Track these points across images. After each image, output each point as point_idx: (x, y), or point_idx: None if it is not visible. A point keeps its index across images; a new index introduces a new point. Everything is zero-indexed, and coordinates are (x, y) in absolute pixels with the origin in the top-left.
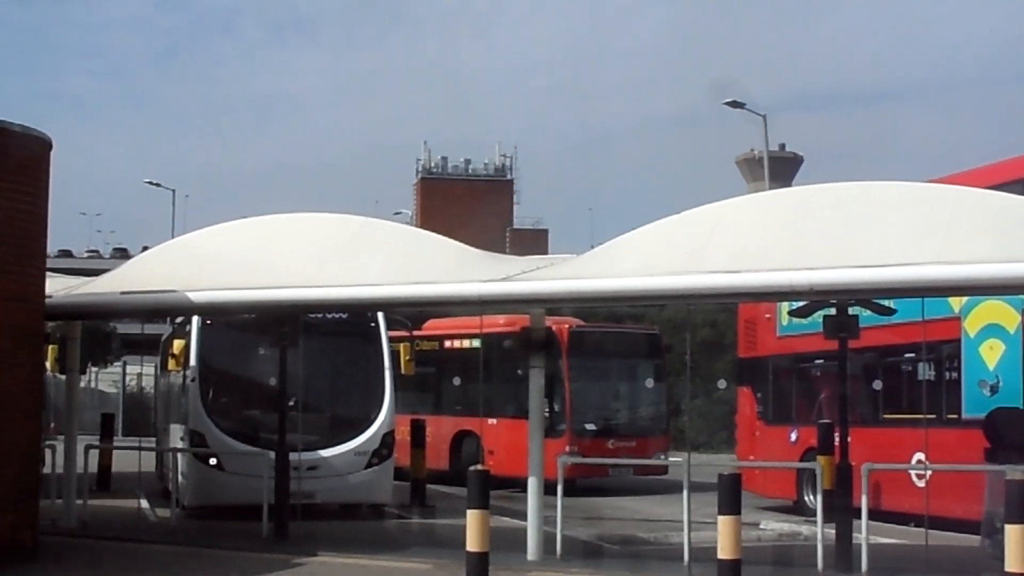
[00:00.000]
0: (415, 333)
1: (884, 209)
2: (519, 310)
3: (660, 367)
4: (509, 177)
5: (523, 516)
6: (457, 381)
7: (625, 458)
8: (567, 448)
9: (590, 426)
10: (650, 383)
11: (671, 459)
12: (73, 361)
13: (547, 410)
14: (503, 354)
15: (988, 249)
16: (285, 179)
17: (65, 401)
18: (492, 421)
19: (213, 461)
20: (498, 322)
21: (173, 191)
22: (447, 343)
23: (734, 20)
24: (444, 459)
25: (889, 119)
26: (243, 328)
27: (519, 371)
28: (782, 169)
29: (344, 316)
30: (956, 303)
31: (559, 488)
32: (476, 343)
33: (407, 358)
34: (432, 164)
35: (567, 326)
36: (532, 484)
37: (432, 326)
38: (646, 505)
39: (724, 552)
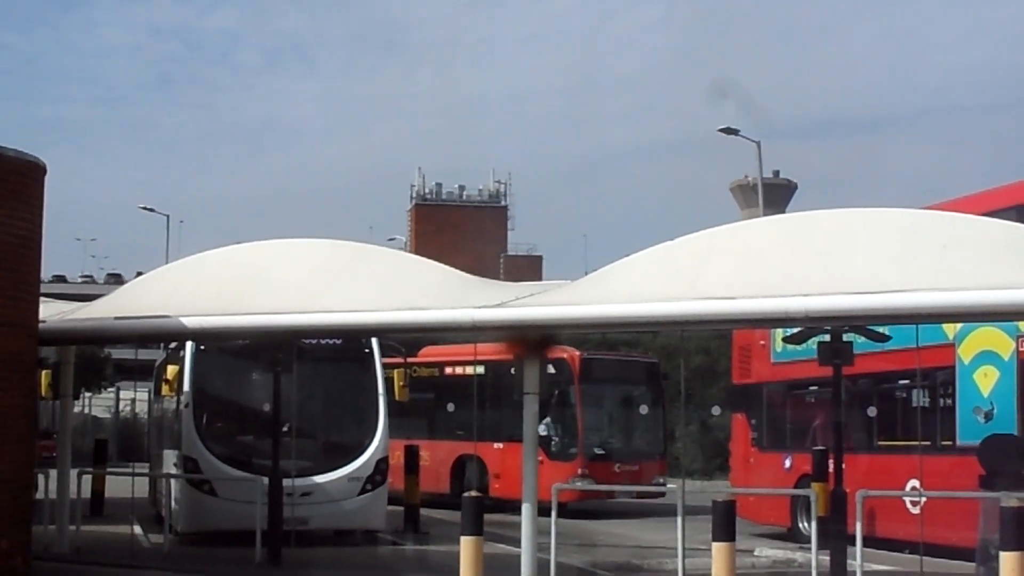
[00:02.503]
0: (412, 360)
1: (879, 236)
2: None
3: (659, 394)
4: (503, 203)
5: (517, 542)
6: (457, 406)
7: (628, 481)
8: (579, 471)
9: (599, 450)
10: (650, 409)
11: (668, 485)
12: (66, 386)
13: (558, 434)
14: (510, 380)
15: (983, 276)
16: (280, 205)
17: (58, 426)
18: (498, 445)
19: (207, 487)
20: (500, 349)
21: (167, 217)
22: (448, 369)
23: (729, 48)
24: (444, 483)
25: (883, 146)
26: (237, 353)
27: None
28: (776, 196)
29: (338, 342)
30: (950, 330)
31: (553, 515)
32: (480, 369)
33: (401, 384)
34: (426, 190)
35: (579, 354)
36: (526, 511)
37: (432, 352)
38: (640, 531)
39: None
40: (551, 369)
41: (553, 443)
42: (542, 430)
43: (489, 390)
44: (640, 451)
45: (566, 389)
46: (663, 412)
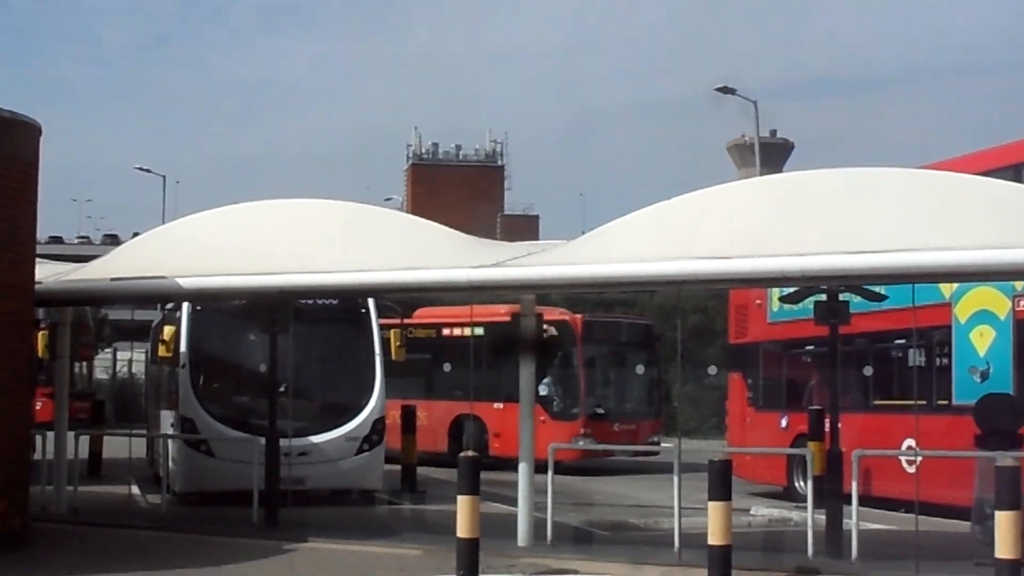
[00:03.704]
0: (408, 320)
1: (875, 195)
2: (509, 296)
3: (654, 355)
4: (500, 163)
5: (514, 502)
6: (457, 367)
7: (626, 440)
8: (581, 430)
9: (599, 410)
10: (646, 370)
11: (663, 444)
12: (63, 347)
13: (559, 395)
14: (510, 340)
15: (980, 235)
16: (276, 166)
17: (55, 387)
18: (498, 405)
19: (204, 447)
20: (499, 311)
21: (164, 177)
22: (446, 331)
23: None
24: (442, 443)
25: (880, 106)
26: (233, 314)
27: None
28: (773, 155)
29: (334, 302)
30: (947, 289)
31: (549, 474)
32: (479, 331)
33: (398, 344)
34: (423, 150)
35: (580, 317)
36: (523, 470)
37: (432, 314)
38: (637, 490)
39: (714, 538)
40: (553, 331)
41: (555, 403)
42: (543, 390)
43: (488, 350)
44: (637, 411)
45: (569, 351)
46: (658, 372)
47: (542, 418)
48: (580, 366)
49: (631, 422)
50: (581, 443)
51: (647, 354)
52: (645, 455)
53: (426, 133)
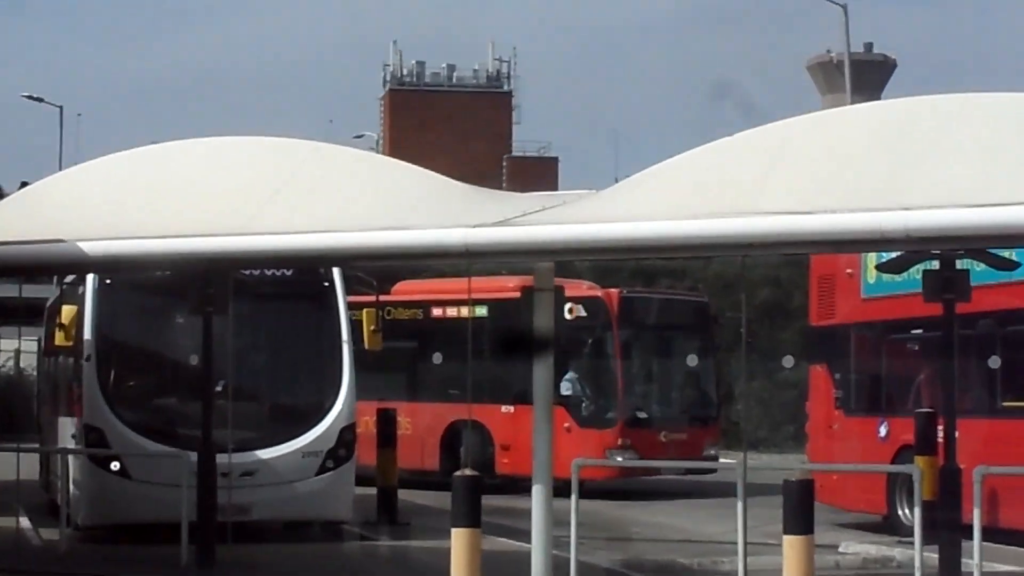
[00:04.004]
0: (386, 298)
1: (1003, 130)
2: (519, 265)
3: (710, 342)
4: (506, 89)
5: (527, 536)
6: (451, 358)
7: (675, 454)
8: (619, 442)
9: (641, 414)
10: (701, 361)
11: (721, 459)
12: None
13: (589, 394)
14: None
15: None
16: (210, 93)
17: None
18: (507, 408)
19: (116, 466)
20: (507, 285)
21: (60, 109)
22: (436, 310)
23: None
24: (431, 458)
25: (1008, 13)
26: (154, 290)
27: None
28: (869, 77)
29: (288, 273)
30: None
31: (573, 499)
32: (481, 310)
33: (372, 328)
34: (405, 71)
35: (617, 292)
36: (538, 494)
37: (417, 289)
38: (689, 520)
39: None
40: (582, 312)
41: (583, 405)
42: (566, 388)
43: (493, 336)
44: (689, 415)
45: (602, 336)
46: (715, 365)
47: (566, 425)
48: (617, 356)
49: (681, 430)
50: (619, 458)
51: (700, 341)
52: (700, 473)
53: (408, 49)
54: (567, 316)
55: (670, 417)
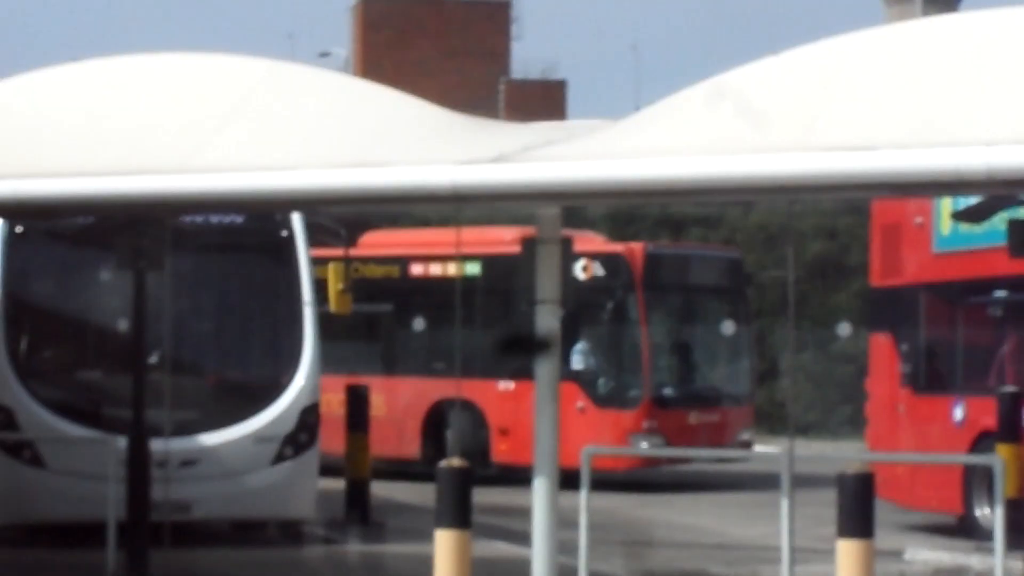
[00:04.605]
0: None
1: None
2: (519, 210)
3: (745, 305)
4: None
5: (527, 539)
6: (436, 324)
7: (706, 438)
8: (644, 424)
9: (669, 391)
10: (736, 329)
11: (764, 448)
12: None
13: (607, 368)
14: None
15: None
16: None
17: None
18: (505, 385)
19: (28, 453)
20: (505, 238)
21: None
22: (416, 267)
23: None
24: (412, 444)
25: None
26: (76, 241)
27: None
28: None
29: (238, 220)
30: None
31: (582, 496)
32: (474, 267)
33: (339, 287)
34: None
35: (641, 248)
36: (541, 488)
37: (393, 240)
38: (722, 520)
39: None
40: (599, 271)
41: (602, 382)
42: (578, 361)
43: (488, 298)
44: (722, 393)
45: (623, 299)
46: (748, 333)
47: (580, 404)
48: (642, 323)
49: (713, 411)
50: (644, 444)
51: (734, 305)
52: (735, 462)
53: None
54: (581, 275)
55: (701, 396)
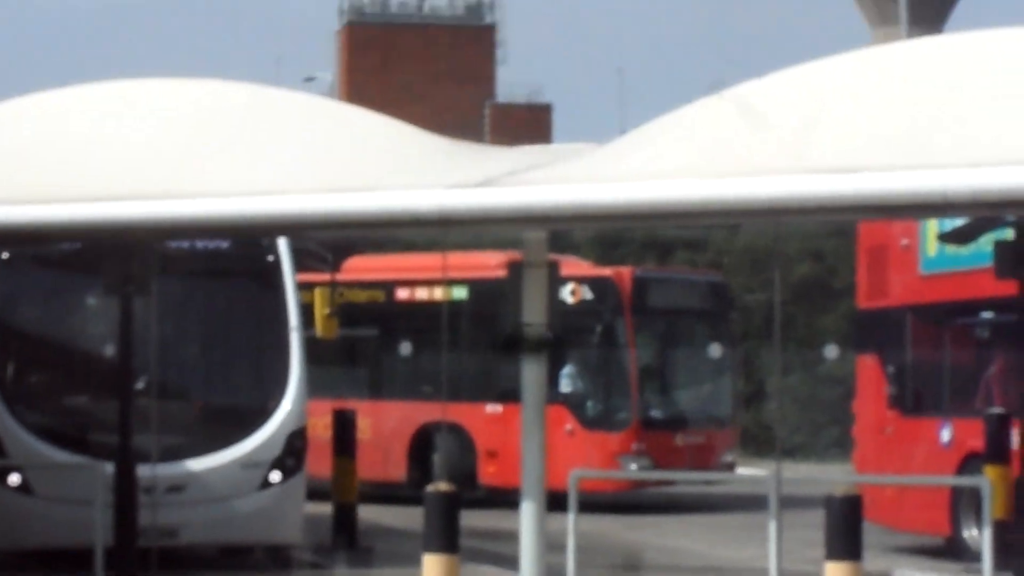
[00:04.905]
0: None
1: None
2: (505, 234)
3: (727, 329)
4: (489, 21)
5: (515, 562)
6: (423, 348)
7: (692, 460)
8: (633, 446)
9: (656, 413)
10: (720, 352)
11: (752, 471)
12: None
13: (596, 392)
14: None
15: None
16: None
17: None
18: (493, 408)
19: (15, 479)
20: (490, 263)
21: None
22: (402, 292)
23: None
24: (398, 467)
25: None
26: (62, 266)
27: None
28: (928, 7)
29: (224, 245)
30: None
31: (570, 519)
32: (461, 291)
33: (326, 312)
34: (366, 1)
35: (629, 272)
36: (528, 512)
37: (375, 266)
38: (710, 543)
39: None
40: (587, 294)
41: (590, 404)
42: (567, 384)
43: (474, 322)
44: (707, 415)
45: (612, 323)
46: (731, 356)
47: (568, 426)
48: (630, 346)
49: (699, 433)
50: (633, 466)
51: (719, 328)
52: (718, 483)
53: None
54: (570, 299)
55: (687, 418)
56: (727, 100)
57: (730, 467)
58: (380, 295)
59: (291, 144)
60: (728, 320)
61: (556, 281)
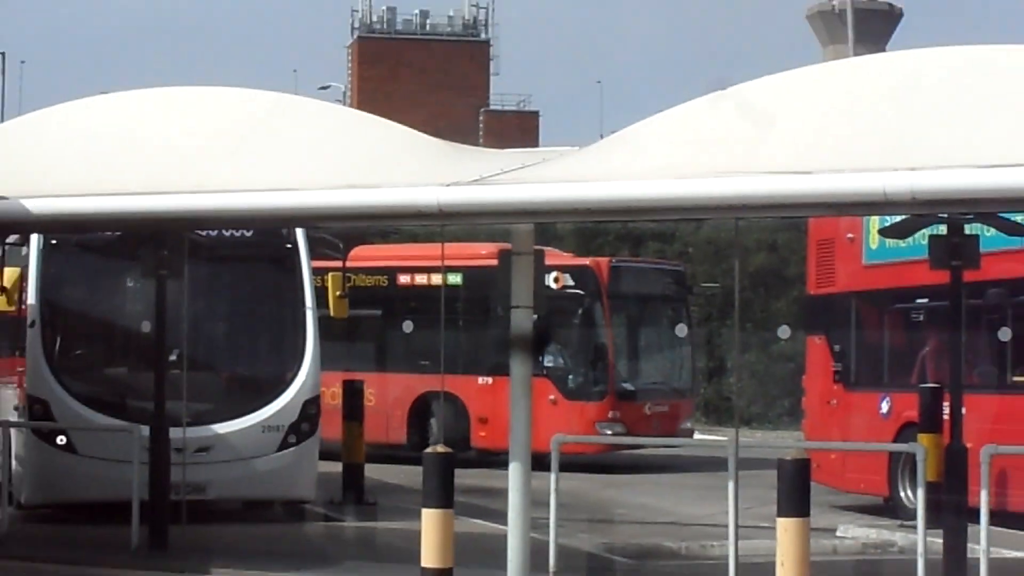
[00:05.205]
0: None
1: (1016, 86)
2: (495, 225)
3: (687, 311)
4: (484, 37)
5: (503, 517)
6: (421, 327)
7: (658, 426)
8: (609, 414)
9: (628, 386)
10: (683, 331)
11: (713, 437)
12: None
13: (577, 366)
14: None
15: None
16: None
17: None
18: (485, 380)
19: (61, 440)
20: (481, 252)
21: (2, 55)
22: (403, 277)
23: None
24: (398, 430)
25: None
26: (104, 251)
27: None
28: (872, 27)
29: (248, 234)
30: None
31: (552, 479)
32: (456, 277)
33: (338, 294)
34: (374, 18)
35: (606, 261)
36: (515, 472)
37: (377, 255)
38: (676, 501)
39: (786, 569)
40: (570, 281)
41: (571, 378)
42: (549, 360)
43: (468, 305)
44: (671, 387)
45: (591, 307)
46: (690, 335)
47: (551, 397)
48: (607, 326)
49: (663, 403)
50: (608, 431)
51: (680, 311)
52: (678, 447)
53: None
54: (553, 285)
55: (653, 389)
56: (693, 109)
57: (689, 433)
58: (384, 280)
59: (307, 145)
60: (687, 304)
61: (541, 269)
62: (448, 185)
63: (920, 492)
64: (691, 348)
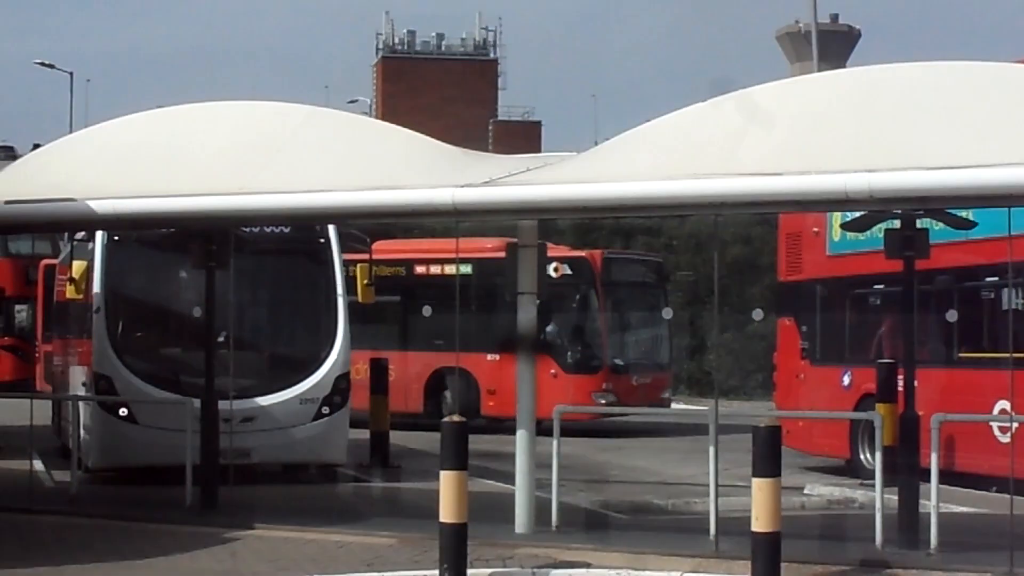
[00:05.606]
0: (379, 255)
1: (962, 97)
2: (503, 221)
3: (665, 296)
4: (493, 56)
5: (511, 477)
6: (438, 311)
7: (643, 396)
8: (603, 386)
9: (619, 361)
10: (665, 313)
11: (694, 407)
12: None
13: (575, 344)
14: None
15: None
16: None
17: None
18: (493, 357)
19: (124, 412)
20: (486, 246)
21: (71, 74)
22: (420, 268)
23: None
24: (416, 401)
25: None
26: (160, 246)
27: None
28: (835, 47)
29: (286, 230)
30: None
31: (555, 444)
32: (466, 268)
33: (365, 282)
34: (396, 40)
35: (600, 253)
36: (522, 438)
37: (397, 248)
38: (663, 464)
39: (760, 523)
40: (568, 270)
41: (569, 354)
42: (551, 339)
43: (479, 292)
44: (654, 362)
45: (587, 293)
46: (668, 316)
47: (552, 371)
48: (601, 309)
49: (647, 376)
50: (602, 401)
51: (661, 296)
52: (659, 414)
53: (400, 18)
54: (554, 274)
55: (639, 364)
56: (677, 118)
57: (668, 403)
58: (404, 270)
59: (338, 151)
60: (666, 289)
61: (543, 259)
62: (462, 186)
63: (878, 455)
64: (669, 328)
